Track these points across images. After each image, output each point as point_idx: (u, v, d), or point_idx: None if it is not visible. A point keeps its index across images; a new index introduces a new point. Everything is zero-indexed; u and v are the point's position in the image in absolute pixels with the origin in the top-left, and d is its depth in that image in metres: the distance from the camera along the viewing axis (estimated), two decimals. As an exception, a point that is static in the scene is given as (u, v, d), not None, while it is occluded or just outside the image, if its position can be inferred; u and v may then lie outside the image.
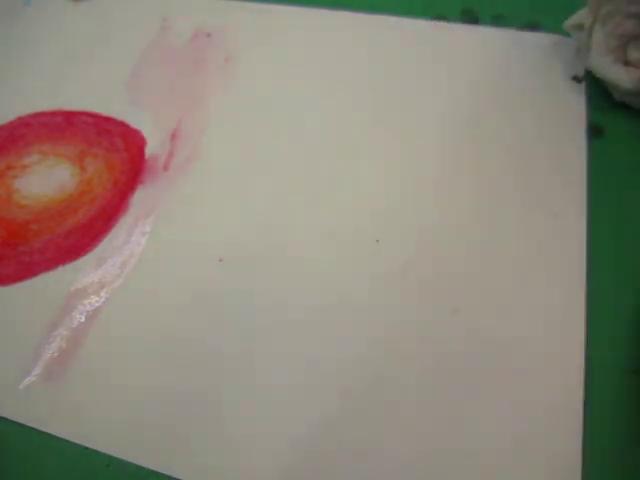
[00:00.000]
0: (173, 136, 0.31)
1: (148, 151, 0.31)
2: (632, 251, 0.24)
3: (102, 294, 0.26)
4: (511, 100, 0.29)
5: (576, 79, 0.29)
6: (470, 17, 0.33)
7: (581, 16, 0.28)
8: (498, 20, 0.32)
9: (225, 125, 0.31)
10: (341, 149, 0.29)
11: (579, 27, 0.28)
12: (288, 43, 0.34)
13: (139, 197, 0.29)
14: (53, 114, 0.33)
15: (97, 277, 0.27)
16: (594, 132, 0.28)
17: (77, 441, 0.23)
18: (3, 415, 0.24)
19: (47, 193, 0.30)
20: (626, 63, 0.26)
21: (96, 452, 0.22)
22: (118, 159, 0.31)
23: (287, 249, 0.26)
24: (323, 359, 0.23)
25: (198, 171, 0.30)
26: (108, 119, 0.32)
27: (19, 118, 0.33)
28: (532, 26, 0.32)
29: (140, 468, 0.22)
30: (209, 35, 0.35)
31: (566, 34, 0.30)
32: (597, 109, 0.28)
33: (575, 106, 0.28)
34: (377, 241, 0.26)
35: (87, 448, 0.23)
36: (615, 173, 0.26)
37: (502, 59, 0.31)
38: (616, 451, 0.20)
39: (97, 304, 0.26)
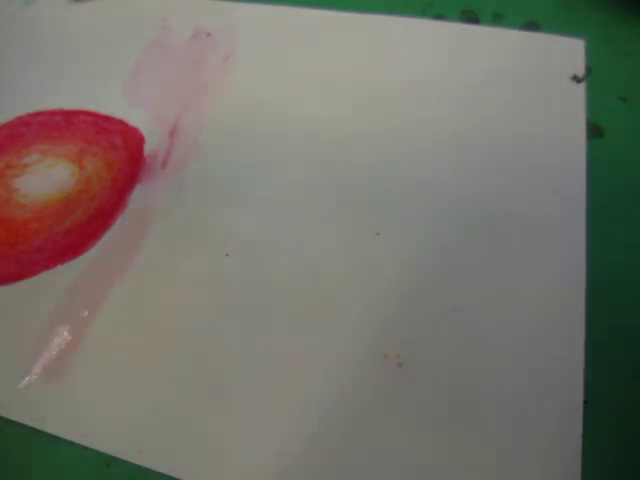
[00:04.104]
0: (172, 133, 0.31)
1: (147, 148, 0.31)
2: (632, 251, 0.24)
3: (102, 293, 0.26)
4: (510, 100, 0.29)
5: (576, 79, 0.29)
6: (470, 17, 0.33)
7: None
8: (498, 20, 0.32)
9: (224, 123, 0.31)
10: (340, 145, 0.29)
11: None
12: (288, 43, 0.34)
13: (137, 195, 0.29)
14: (52, 113, 0.33)
15: (97, 276, 0.27)
16: (594, 132, 0.28)
17: (77, 441, 0.23)
18: (3, 415, 0.24)
19: (46, 192, 0.30)
20: None
21: (96, 452, 0.22)
22: (117, 157, 0.31)
23: (287, 246, 0.26)
24: (323, 359, 0.23)
25: (196, 168, 0.30)
26: (107, 118, 0.32)
27: (19, 117, 0.33)
28: (532, 26, 0.32)
29: (140, 468, 0.22)
30: (209, 35, 0.35)
31: (566, 34, 0.30)
32: (597, 109, 0.28)
33: (575, 106, 0.28)
34: (377, 234, 0.26)
35: (87, 448, 0.22)
36: (615, 173, 0.26)
37: (502, 59, 0.31)
38: (616, 451, 0.20)
39: (97, 303, 0.26)
